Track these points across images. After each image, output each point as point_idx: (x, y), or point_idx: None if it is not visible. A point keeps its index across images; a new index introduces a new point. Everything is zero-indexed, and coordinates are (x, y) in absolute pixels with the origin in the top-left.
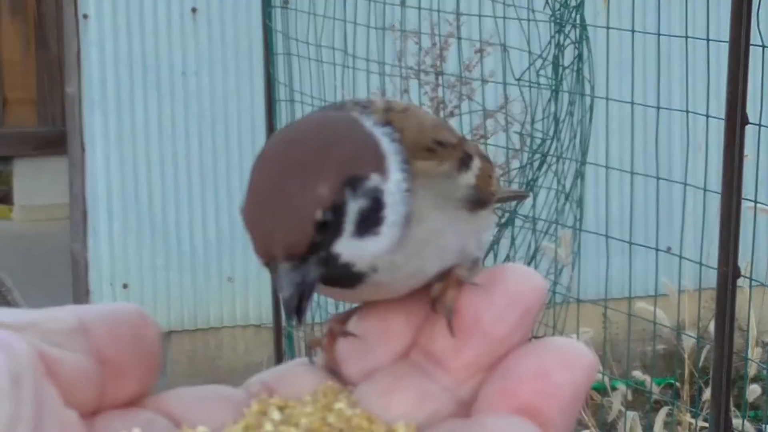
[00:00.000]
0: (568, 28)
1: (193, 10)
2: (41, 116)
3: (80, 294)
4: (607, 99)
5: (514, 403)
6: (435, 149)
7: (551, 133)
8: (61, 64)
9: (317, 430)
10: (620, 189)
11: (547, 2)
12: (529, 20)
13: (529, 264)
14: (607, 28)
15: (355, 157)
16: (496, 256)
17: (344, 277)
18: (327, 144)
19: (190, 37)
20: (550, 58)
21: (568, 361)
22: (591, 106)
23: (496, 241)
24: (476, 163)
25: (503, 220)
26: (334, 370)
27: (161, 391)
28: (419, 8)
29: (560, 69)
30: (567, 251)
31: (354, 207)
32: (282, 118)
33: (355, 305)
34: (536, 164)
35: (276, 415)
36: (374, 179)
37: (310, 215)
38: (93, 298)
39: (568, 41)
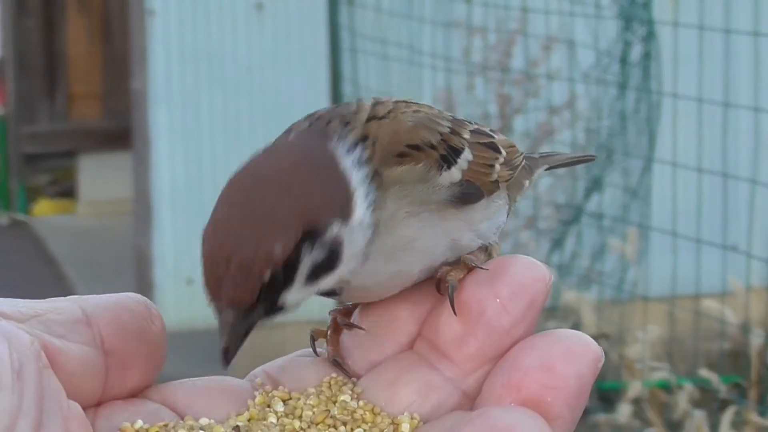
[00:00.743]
0: (635, 24)
1: (258, 5)
2: (106, 111)
3: (144, 289)
4: (675, 96)
5: (519, 396)
6: (408, 153)
7: (618, 130)
8: (126, 59)
9: (321, 423)
10: (687, 186)
11: None
12: (596, 16)
13: (595, 261)
14: (675, 25)
15: (316, 205)
16: (561, 254)
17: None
18: (291, 190)
19: (255, 32)
20: (618, 54)
21: (574, 353)
22: (658, 103)
23: (562, 239)
24: (466, 156)
25: (569, 218)
26: (338, 362)
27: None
28: (485, 4)
29: (627, 66)
30: (634, 248)
31: (308, 261)
32: None
33: None
34: (602, 161)
35: (280, 407)
36: (334, 227)
37: (259, 273)
38: (157, 293)
39: (635, 38)
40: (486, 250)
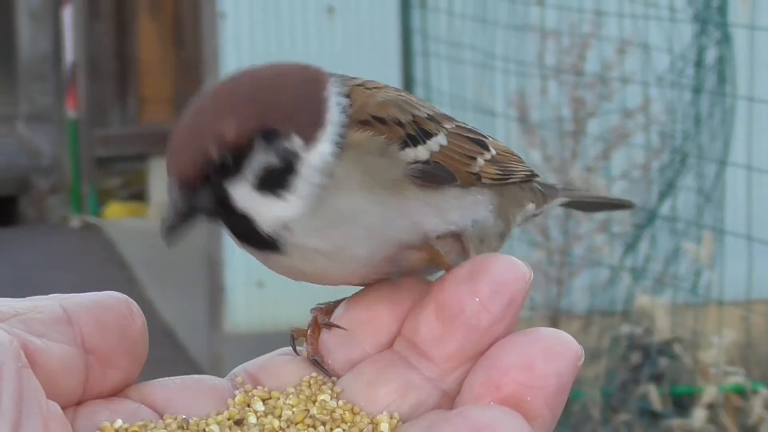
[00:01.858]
0: (710, 27)
1: (330, 9)
2: (178, 114)
3: (215, 292)
4: (750, 99)
5: (498, 395)
6: (371, 123)
7: (692, 133)
8: (197, 62)
9: (300, 423)
10: (762, 189)
11: (689, 1)
12: (670, 20)
13: (669, 265)
14: (751, 28)
15: (284, 113)
16: (635, 257)
17: (253, 235)
18: (264, 91)
19: (327, 36)
20: (692, 58)
21: (554, 351)
22: (732, 107)
23: (635, 242)
24: (438, 140)
25: (643, 221)
26: (317, 361)
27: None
28: (559, 8)
29: (702, 69)
30: (708, 252)
31: (260, 160)
32: None
33: (340, 296)
34: (676, 165)
35: (259, 406)
36: (294, 142)
37: (203, 149)
38: (228, 297)
39: (710, 41)
40: (458, 239)
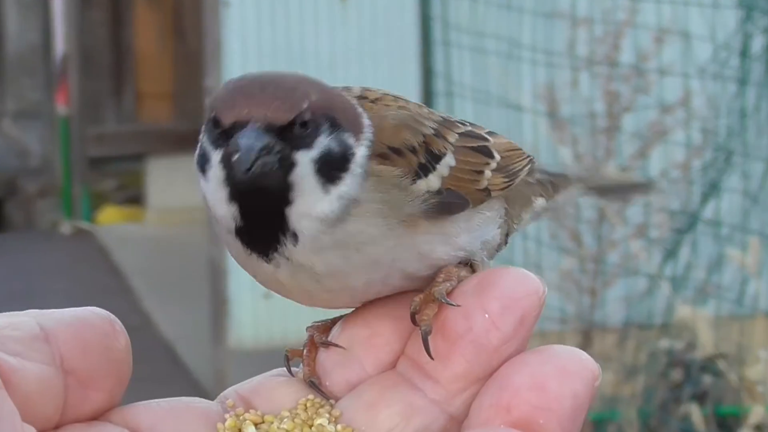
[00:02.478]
0: (756, 14)
1: None
2: (178, 111)
3: (218, 303)
4: None
5: (509, 418)
6: (388, 156)
7: (737, 129)
8: (199, 55)
9: None
10: None
11: None
12: (713, 6)
13: (712, 273)
14: None
15: (345, 111)
16: (675, 265)
17: (267, 224)
18: (322, 89)
19: (339, 25)
20: (737, 47)
21: (568, 370)
22: None
23: (676, 248)
24: (447, 161)
25: (684, 226)
26: (314, 383)
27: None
28: None
29: (748, 59)
30: (755, 259)
31: (325, 142)
32: (440, 112)
33: (337, 313)
34: (720, 164)
35: (251, 431)
36: (351, 141)
37: (302, 99)
38: (232, 308)
39: (756, 29)
40: (468, 266)
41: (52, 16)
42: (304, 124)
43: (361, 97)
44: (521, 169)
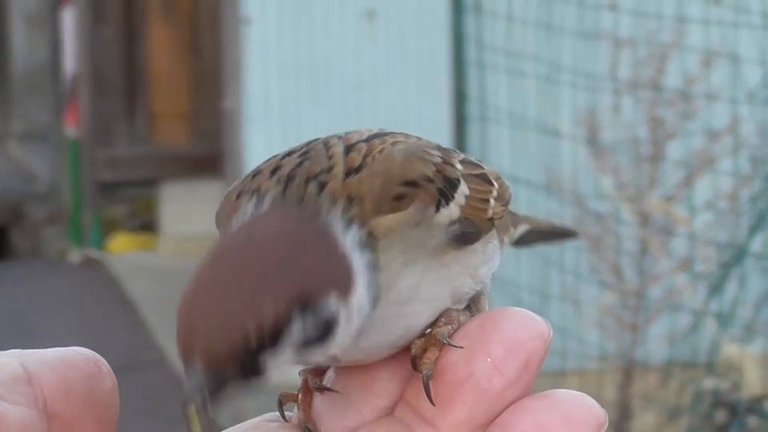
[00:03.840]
0: None
1: (370, 13)
2: (194, 133)
3: None
4: None
5: None
6: (405, 193)
7: None
8: (217, 74)
9: None
10: None
11: None
12: (764, 27)
13: (761, 310)
14: None
15: (316, 276)
16: (721, 301)
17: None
18: (287, 256)
19: (367, 44)
20: None
21: (573, 418)
22: None
23: (722, 283)
24: (462, 189)
25: (731, 259)
26: (310, 429)
27: None
28: (636, 14)
29: None
30: None
31: (297, 332)
32: (473, 137)
33: None
34: None
35: None
36: (332, 302)
37: (245, 336)
38: None
39: None
40: (467, 309)
41: (62, 32)
42: (258, 348)
43: (347, 174)
44: (509, 198)
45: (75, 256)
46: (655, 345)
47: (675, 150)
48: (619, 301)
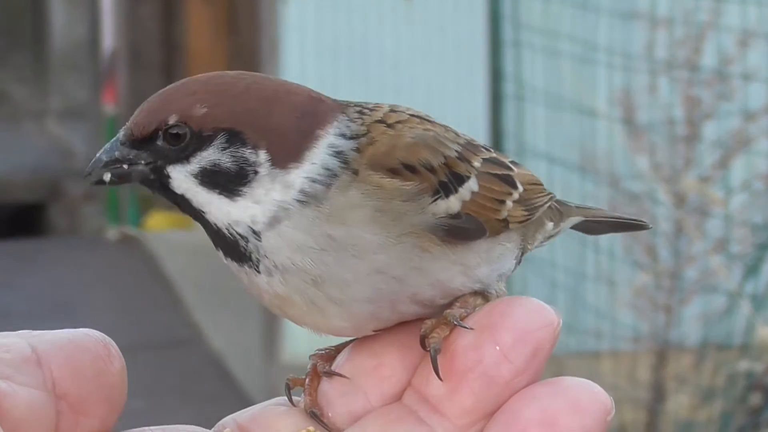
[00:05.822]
0: None
1: None
2: None
3: (271, 316)
4: None
5: None
6: (400, 171)
7: None
8: (255, 53)
9: None
10: None
11: None
12: None
13: None
14: None
15: (266, 128)
16: (756, 282)
17: (219, 236)
18: (261, 99)
19: (404, 23)
20: None
21: (580, 404)
22: None
23: (757, 264)
24: (470, 186)
25: (767, 240)
26: (316, 414)
27: None
28: None
29: None
30: None
31: (212, 155)
32: (508, 117)
33: (341, 340)
34: None
35: None
36: (260, 156)
37: (165, 111)
38: (286, 321)
39: None
40: (483, 295)
41: (101, 10)
42: (175, 137)
43: (380, 121)
44: (542, 205)
45: (112, 233)
46: (689, 326)
47: (711, 130)
48: (653, 283)
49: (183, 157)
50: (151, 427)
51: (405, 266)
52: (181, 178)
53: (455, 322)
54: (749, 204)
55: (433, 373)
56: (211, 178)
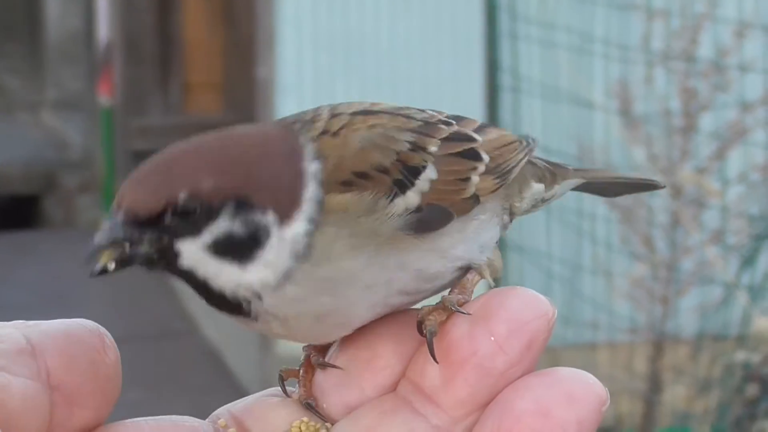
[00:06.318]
0: None
1: None
2: (227, 103)
3: None
4: None
5: None
6: (353, 182)
7: None
8: (251, 44)
9: None
10: None
11: None
12: None
13: None
14: None
15: (265, 186)
16: (753, 273)
17: (216, 296)
18: (252, 158)
19: (400, 16)
20: None
21: (574, 395)
22: None
23: (754, 256)
24: (428, 175)
25: (763, 232)
26: (311, 405)
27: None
28: None
29: None
30: None
31: (223, 225)
32: (505, 108)
33: None
34: None
35: None
36: (268, 218)
37: (171, 189)
38: None
39: None
40: (476, 270)
41: (96, 0)
42: (186, 213)
43: (323, 132)
44: (515, 166)
45: None
46: (686, 317)
47: (707, 122)
48: (650, 274)
49: (194, 231)
50: (146, 418)
51: (388, 270)
52: (192, 251)
53: (453, 308)
54: (746, 195)
55: (429, 363)
56: (225, 247)
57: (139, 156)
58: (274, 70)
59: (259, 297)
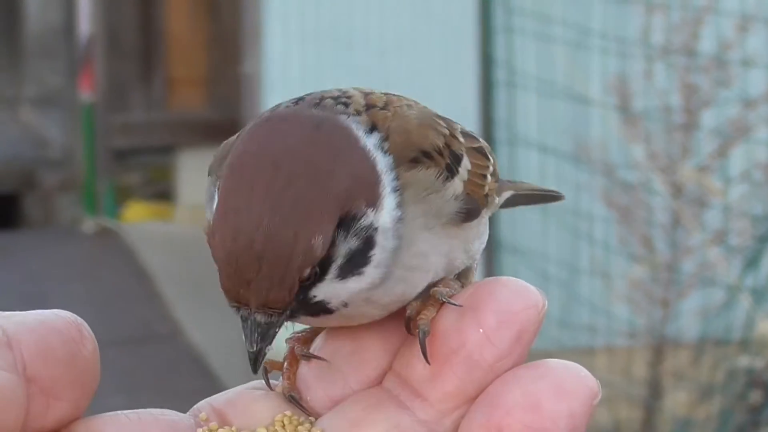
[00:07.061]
0: None
1: None
2: (211, 99)
3: None
4: None
5: None
6: (420, 160)
7: None
8: (236, 38)
9: None
10: None
11: None
12: None
13: None
14: None
15: (351, 189)
16: (756, 275)
17: (311, 313)
18: (322, 172)
19: (390, 9)
20: None
21: (564, 387)
22: None
23: (757, 257)
24: (465, 164)
25: (766, 232)
26: (294, 398)
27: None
28: None
29: None
30: None
31: (343, 251)
32: (500, 104)
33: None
34: None
35: None
36: (369, 216)
37: (299, 273)
38: None
39: None
40: (465, 275)
41: None
42: (312, 276)
43: (368, 106)
44: (496, 171)
45: (88, 224)
46: (687, 321)
47: (709, 118)
48: (649, 275)
49: (322, 276)
50: (125, 411)
51: (441, 255)
52: (325, 288)
53: (443, 299)
54: (749, 194)
55: (416, 356)
56: (347, 267)
57: (121, 154)
58: (261, 65)
59: (347, 304)
